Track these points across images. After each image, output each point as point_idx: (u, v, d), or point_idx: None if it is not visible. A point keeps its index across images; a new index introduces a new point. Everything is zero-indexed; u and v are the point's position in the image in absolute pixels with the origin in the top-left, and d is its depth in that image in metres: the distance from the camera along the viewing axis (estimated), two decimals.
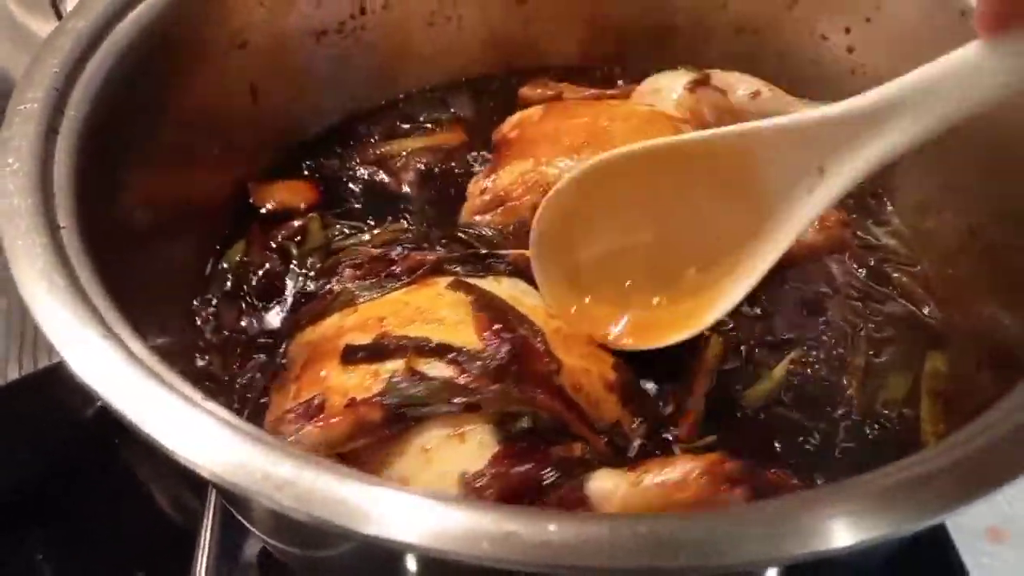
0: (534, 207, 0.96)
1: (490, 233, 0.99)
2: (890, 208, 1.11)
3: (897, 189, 1.11)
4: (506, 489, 0.68)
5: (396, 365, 0.75)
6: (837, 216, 0.96)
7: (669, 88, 1.12)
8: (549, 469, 0.71)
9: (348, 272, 0.91)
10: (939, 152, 1.02)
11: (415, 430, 0.72)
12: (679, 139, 0.87)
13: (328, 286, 0.93)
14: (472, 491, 0.68)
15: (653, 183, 0.85)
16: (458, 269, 0.89)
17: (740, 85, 1.13)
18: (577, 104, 1.14)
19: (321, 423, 0.72)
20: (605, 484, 0.70)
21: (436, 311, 0.80)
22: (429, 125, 1.25)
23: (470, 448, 0.72)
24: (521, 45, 1.30)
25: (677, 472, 0.69)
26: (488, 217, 1.00)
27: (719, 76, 1.13)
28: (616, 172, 0.85)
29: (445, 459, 0.71)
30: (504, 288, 0.87)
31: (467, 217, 1.03)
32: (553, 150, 1.02)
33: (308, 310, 0.89)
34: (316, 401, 0.74)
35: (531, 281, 0.89)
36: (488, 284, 0.86)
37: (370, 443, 0.71)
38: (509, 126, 1.12)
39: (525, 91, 1.23)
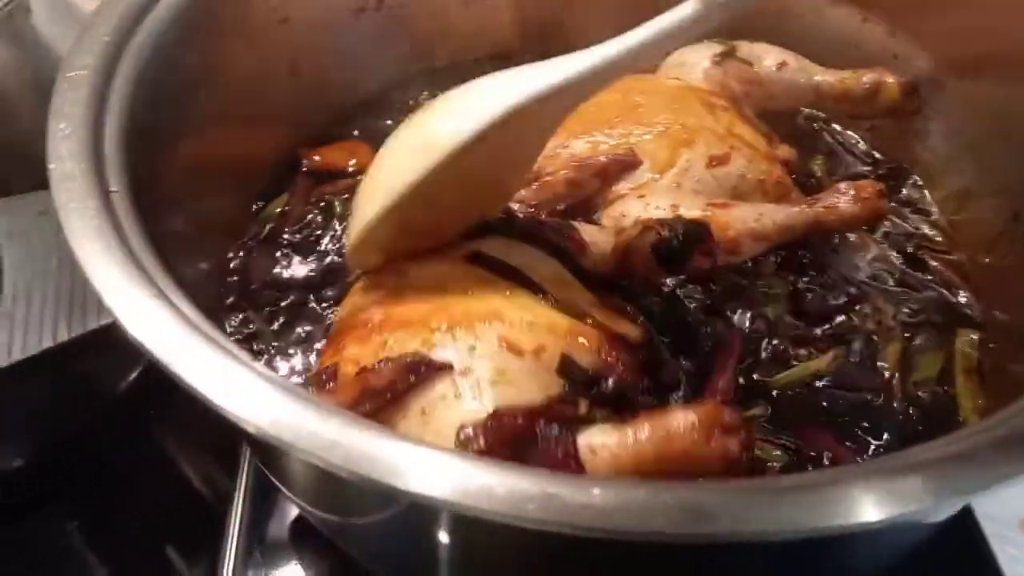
0: (568, 182, 0.98)
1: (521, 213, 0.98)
2: (929, 198, 1.11)
3: (937, 179, 1.10)
4: (498, 439, 0.68)
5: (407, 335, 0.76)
6: (873, 187, 0.95)
7: (695, 61, 1.12)
8: (547, 423, 0.70)
9: None
10: (978, 143, 1.02)
11: (414, 393, 0.73)
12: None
13: None
14: (466, 439, 0.68)
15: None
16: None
17: (767, 56, 1.12)
18: None
19: (331, 389, 0.74)
20: (596, 436, 0.69)
21: (452, 283, 0.81)
22: None
23: (464, 403, 0.72)
24: (560, 23, 1.30)
25: (670, 424, 0.68)
26: (523, 193, 1.00)
27: (745, 47, 1.13)
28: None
29: (442, 418, 0.72)
30: (524, 254, 0.87)
31: None
32: (585, 125, 1.01)
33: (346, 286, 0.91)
34: (330, 370, 0.76)
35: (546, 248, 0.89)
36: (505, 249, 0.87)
37: (377, 407, 0.72)
38: None
39: None
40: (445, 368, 0.73)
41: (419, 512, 0.60)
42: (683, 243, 0.86)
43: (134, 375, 1.18)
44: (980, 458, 0.55)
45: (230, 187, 1.02)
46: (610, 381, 0.79)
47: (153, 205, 0.76)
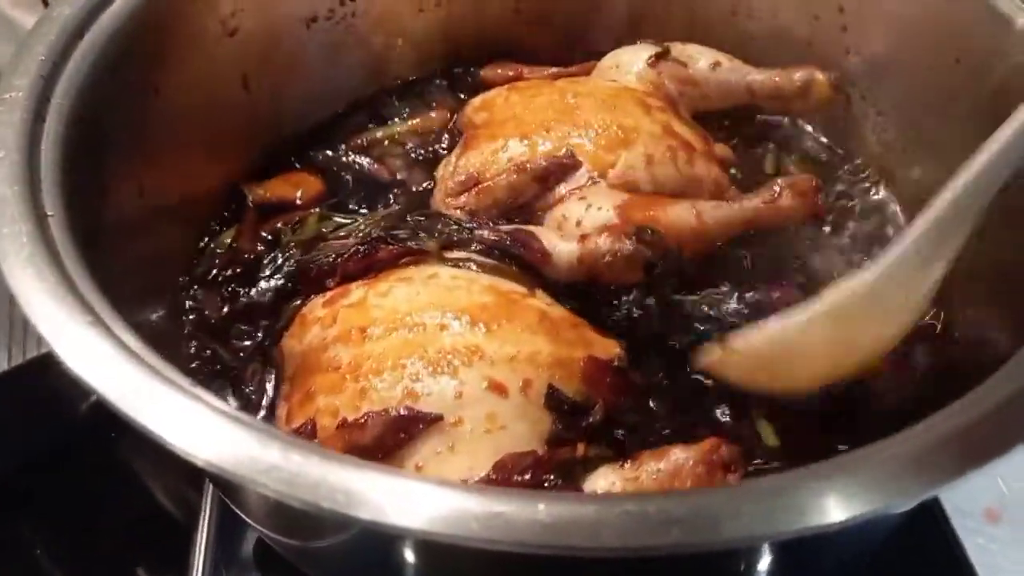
0: (508, 187, 0.97)
1: (465, 219, 0.97)
2: (889, 196, 1.11)
3: (894, 173, 1.11)
4: None
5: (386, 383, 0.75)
6: (810, 182, 0.96)
7: (630, 62, 1.13)
8: (551, 474, 0.71)
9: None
10: (938, 136, 1.03)
11: (407, 449, 0.72)
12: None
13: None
14: None
15: None
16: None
17: (700, 57, 1.14)
18: (541, 83, 1.13)
19: None
20: (600, 482, 0.70)
21: (418, 314, 0.79)
22: (409, 111, 1.23)
23: (461, 459, 0.72)
24: (511, 31, 1.29)
25: (671, 463, 0.69)
26: (462, 199, 0.99)
27: (679, 48, 1.14)
28: None
29: (438, 474, 0.71)
30: (483, 275, 0.87)
31: (439, 201, 1.02)
32: (522, 129, 1.01)
33: (289, 316, 0.89)
34: (307, 428, 0.75)
35: (506, 260, 0.89)
36: (465, 274, 0.87)
37: None
38: (473, 109, 1.11)
39: (486, 73, 1.23)
40: (435, 420, 0.73)
41: (369, 534, 0.59)
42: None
43: (96, 396, 1.16)
44: (940, 452, 0.54)
45: (176, 212, 0.99)
46: (597, 408, 0.79)
47: (94, 230, 0.74)
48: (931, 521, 0.99)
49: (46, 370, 1.02)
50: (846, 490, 0.51)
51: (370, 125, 1.21)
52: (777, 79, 1.11)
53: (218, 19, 1.04)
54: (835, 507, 0.50)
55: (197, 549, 0.97)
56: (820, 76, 1.09)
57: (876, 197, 1.11)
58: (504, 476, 0.69)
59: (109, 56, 0.86)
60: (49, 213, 0.70)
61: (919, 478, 0.52)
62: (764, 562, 0.66)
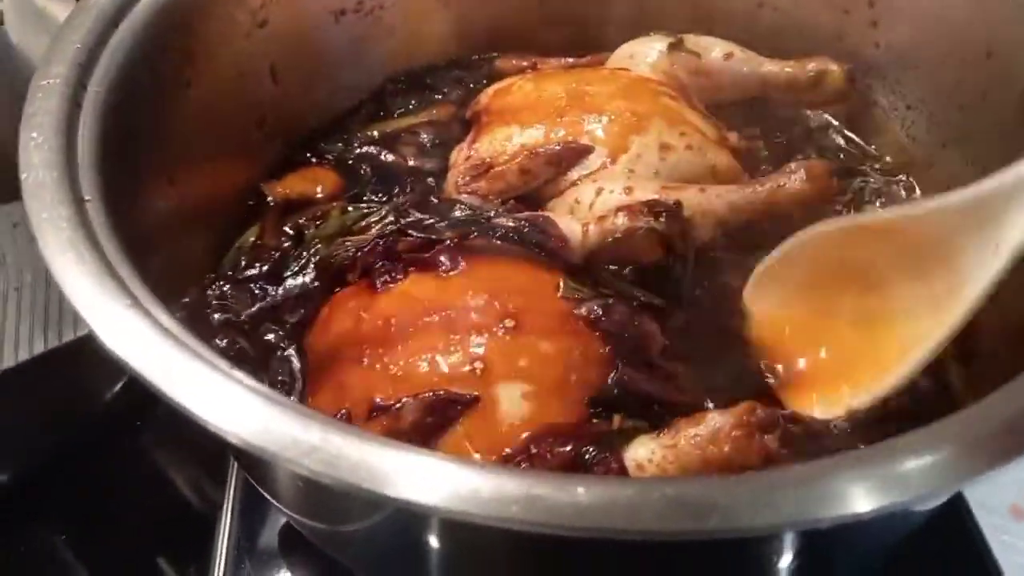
0: (521, 171, 0.97)
1: (479, 205, 0.98)
2: (918, 191, 1.10)
3: (924, 172, 1.10)
4: (545, 468, 0.69)
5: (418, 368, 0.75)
6: (823, 166, 0.96)
7: (644, 53, 1.12)
8: (590, 446, 0.72)
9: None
10: (967, 132, 1.02)
11: (444, 432, 0.73)
12: (872, 217, 0.86)
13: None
14: None
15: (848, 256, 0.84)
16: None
17: (713, 47, 1.13)
18: (555, 72, 1.14)
19: None
20: (639, 451, 0.71)
21: (447, 300, 0.80)
22: (422, 101, 1.23)
23: (499, 438, 0.73)
24: (530, 23, 1.29)
25: (709, 428, 0.70)
26: (474, 185, 0.99)
27: (692, 40, 1.14)
28: (818, 244, 0.85)
29: (480, 447, 0.72)
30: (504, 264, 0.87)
31: (451, 186, 1.02)
32: (536, 115, 1.01)
33: (312, 314, 0.90)
34: (342, 419, 0.75)
35: (524, 246, 0.89)
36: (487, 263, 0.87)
37: None
38: (488, 96, 1.11)
39: (500, 63, 1.24)
40: (471, 402, 0.73)
41: (407, 517, 0.59)
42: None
43: (119, 385, 1.17)
44: (972, 444, 0.54)
45: (208, 200, 0.99)
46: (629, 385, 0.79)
47: (130, 216, 0.74)
48: (955, 517, 0.98)
49: (72, 358, 1.03)
50: (885, 478, 0.51)
51: (383, 116, 1.21)
52: (790, 70, 1.11)
53: (248, 10, 1.04)
54: (873, 495, 0.50)
55: (220, 539, 0.98)
56: (834, 67, 1.09)
57: (903, 193, 1.10)
58: (544, 449, 0.70)
59: (143, 44, 0.87)
60: (86, 198, 0.70)
61: (962, 465, 0.52)
62: (790, 552, 0.66)
